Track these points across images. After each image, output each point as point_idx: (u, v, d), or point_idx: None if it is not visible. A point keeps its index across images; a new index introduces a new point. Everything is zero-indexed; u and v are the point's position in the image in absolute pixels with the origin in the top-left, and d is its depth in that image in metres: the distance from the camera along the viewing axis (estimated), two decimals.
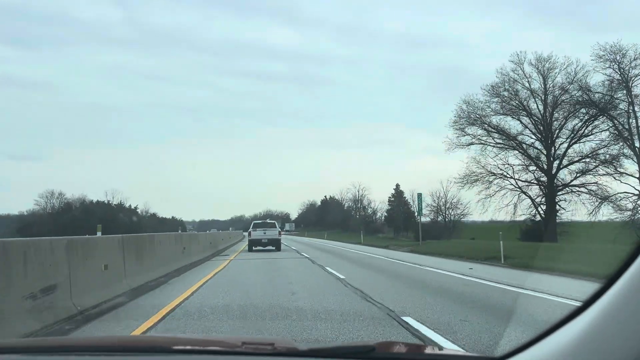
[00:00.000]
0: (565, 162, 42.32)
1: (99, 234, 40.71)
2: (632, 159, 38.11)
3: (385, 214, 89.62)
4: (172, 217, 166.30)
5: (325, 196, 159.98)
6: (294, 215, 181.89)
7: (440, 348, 3.67)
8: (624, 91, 37.82)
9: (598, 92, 38.82)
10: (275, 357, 2.00)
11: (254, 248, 31.46)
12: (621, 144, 38.69)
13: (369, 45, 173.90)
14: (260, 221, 36.24)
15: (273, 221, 35.92)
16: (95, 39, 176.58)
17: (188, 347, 2.17)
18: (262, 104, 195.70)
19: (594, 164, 40.54)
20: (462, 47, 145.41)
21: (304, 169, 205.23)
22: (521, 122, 43.62)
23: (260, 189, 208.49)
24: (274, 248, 31.67)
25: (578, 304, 1.45)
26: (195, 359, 2.06)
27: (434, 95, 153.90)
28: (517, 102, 42.75)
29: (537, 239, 36.62)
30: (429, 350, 2.67)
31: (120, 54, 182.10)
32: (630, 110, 37.90)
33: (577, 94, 40.27)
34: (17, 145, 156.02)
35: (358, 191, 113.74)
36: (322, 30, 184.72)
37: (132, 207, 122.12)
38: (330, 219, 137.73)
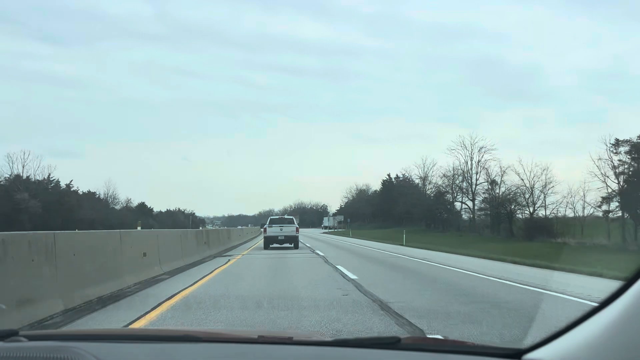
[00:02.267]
0: None
1: None
2: None
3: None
4: (178, 208, 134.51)
5: (388, 176, 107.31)
6: (334, 207, 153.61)
7: (464, 342, 2.64)
8: None
9: None
10: (300, 346, 2.01)
11: (270, 246, 28.81)
12: None
13: (401, 38, 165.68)
14: (277, 217, 33.16)
15: (291, 217, 32.84)
16: (125, 34, 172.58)
17: (216, 337, 2.20)
18: (292, 98, 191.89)
19: None
20: (497, 39, 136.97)
21: (335, 162, 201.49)
22: None
23: (290, 183, 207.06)
24: (291, 245, 28.74)
25: None
26: (220, 347, 2.08)
27: (469, 89, 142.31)
28: None
29: None
30: (453, 342, 2.66)
31: (150, 50, 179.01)
32: None
33: None
34: (53, 142, 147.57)
35: (471, 158, 60.67)
36: (353, 22, 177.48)
37: (77, 190, 71.47)
38: (401, 209, 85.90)
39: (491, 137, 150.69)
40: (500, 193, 52.41)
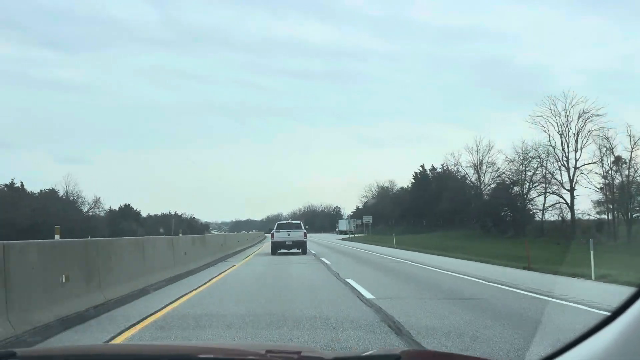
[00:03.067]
0: None
1: None
2: None
3: None
4: (175, 212, 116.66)
5: (422, 167, 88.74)
6: (348, 208, 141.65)
7: (467, 357, 3.01)
8: None
9: None
10: None
11: (278, 251, 28.73)
12: None
13: (407, 40, 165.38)
14: (284, 222, 33.63)
15: (298, 221, 32.88)
16: (132, 39, 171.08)
17: (213, 356, 2.09)
18: (298, 101, 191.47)
19: None
20: (503, 40, 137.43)
21: (344, 164, 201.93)
22: None
23: (298, 186, 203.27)
24: (299, 251, 28.73)
25: None
26: None
27: (475, 90, 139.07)
28: None
29: None
30: (455, 357, 2.52)
31: (156, 54, 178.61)
32: None
33: None
34: (61, 148, 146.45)
35: (567, 128, 42.44)
36: (359, 25, 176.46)
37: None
38: (444, 207, 67.66)
39: (498, 138, 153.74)
40: (631, 177, 33.89)
